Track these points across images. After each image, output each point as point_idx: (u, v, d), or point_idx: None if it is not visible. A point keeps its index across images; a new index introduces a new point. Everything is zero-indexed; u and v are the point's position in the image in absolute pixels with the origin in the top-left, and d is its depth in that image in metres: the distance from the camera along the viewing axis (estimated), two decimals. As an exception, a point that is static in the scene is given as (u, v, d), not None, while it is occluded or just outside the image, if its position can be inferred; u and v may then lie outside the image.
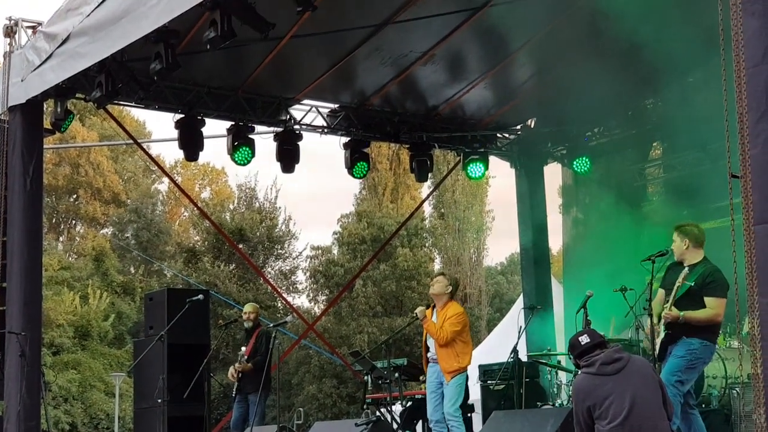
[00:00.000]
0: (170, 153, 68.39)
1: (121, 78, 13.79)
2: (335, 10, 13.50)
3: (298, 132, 17.34)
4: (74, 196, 52.96)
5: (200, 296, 15.03)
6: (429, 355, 12.89)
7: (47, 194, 47.77)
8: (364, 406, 15.55)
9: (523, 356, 15.62)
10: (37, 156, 14.63)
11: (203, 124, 16.51)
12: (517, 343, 14.85)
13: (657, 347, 10.14)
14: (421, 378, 14.43)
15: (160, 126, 69.65)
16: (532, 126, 19.26)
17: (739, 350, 12.89)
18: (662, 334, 10.14)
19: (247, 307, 15.99)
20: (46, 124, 15.34)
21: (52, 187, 50.09)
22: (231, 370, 15.53)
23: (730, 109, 6.83)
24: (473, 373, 14.30)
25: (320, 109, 17.53)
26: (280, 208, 45.70)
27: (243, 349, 15.45)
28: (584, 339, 8.16)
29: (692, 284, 10.00)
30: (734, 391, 12.86)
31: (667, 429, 7.99)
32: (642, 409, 7.75)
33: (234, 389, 15.33)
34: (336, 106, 17.61)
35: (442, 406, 12.62)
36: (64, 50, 13.41)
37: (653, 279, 10.42)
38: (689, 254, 10.32)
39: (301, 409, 35.66)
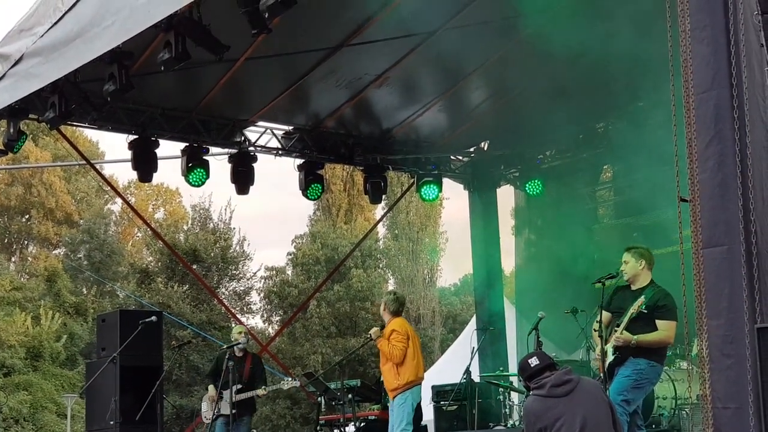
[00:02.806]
0: (124, 173, 68.14)
1: (74, 99, 13.72)
2: (290, 32, 13.50)
3: (252, 154, 17.30)
4: (27, 216, 52.54)
5: (153, 317, 14.95)
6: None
7: (-1, 214, 47.46)
8: (318, 428, 15.55)
9: (476, 377, 15.71)
10: (-11, 176, 14.55)
11: (157, 145, 16.37)
12: (470, 364, 14.97)
13: (605, 368, 10.25)
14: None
15: (113, 146, 69.32)
16: (486, 148, 19.35)
17: (689, 371, 13.02)
18: (610, 356, 10.26)
19: (242, 328, 15.60)
20: (-1, 144, 15.26)
21: (4, 207, 49.73)
22: (211, 394, 15.15)
23: (680, 134, 6.93)
24: (426, 393, 14.33)
25: (275, 131, 17.50)
26: (234, 228, 45.42)
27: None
28: (534, 361, 8.21)
29: (644, 309, 10.14)
30: (684, 412, 13.00)
31: (617, 450, 8.07)
32: (593, 430, 7.80)
33: (218, 412, 14.98)
34: (290, 128, 17.57)
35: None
36: (17, 71, 13.30)
37: (603, 301, 10.54)
38: (642, 275, 10.48)
39: (254, 430, 35.49)
